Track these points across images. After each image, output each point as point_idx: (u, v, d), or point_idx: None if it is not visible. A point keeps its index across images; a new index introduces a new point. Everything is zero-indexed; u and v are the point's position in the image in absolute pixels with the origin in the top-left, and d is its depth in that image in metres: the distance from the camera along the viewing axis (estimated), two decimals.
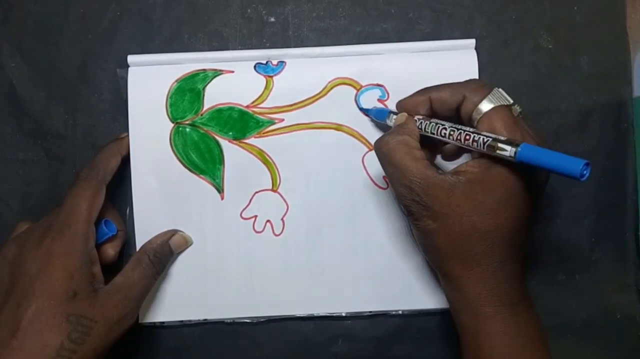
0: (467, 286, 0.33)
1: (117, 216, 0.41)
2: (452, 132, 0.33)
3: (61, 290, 0.33)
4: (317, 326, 0.43)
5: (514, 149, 0.30)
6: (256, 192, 0.42)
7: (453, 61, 0.41)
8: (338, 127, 0.42)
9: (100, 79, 0.43)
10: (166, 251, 0.40)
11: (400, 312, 0.42)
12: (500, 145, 0.30)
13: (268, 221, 0.42)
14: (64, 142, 0.43)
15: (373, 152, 0.41)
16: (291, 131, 0.42)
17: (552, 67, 0.43)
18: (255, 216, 0.42)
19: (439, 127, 0.34)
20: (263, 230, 0.42)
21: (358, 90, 0.41)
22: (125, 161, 0.41)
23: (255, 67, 0.42)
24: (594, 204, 0.43)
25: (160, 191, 0.41)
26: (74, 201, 0.36)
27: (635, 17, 0.43)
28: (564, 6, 0.43)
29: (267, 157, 0.42)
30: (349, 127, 0.42)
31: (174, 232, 0.41)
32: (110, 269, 0.38)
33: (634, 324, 0.43)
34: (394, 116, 0.38)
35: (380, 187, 0.42)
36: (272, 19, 0.43)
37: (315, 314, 0.42)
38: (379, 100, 0.41)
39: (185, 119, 0.41)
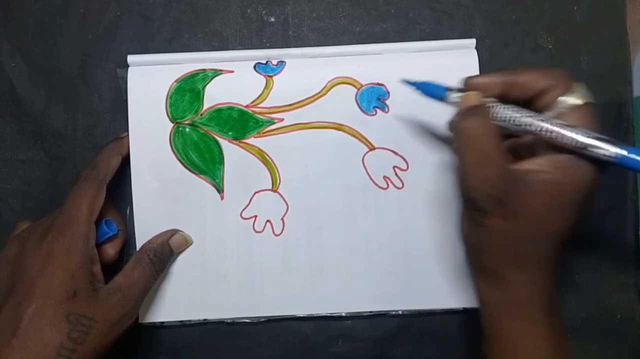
0: (519, 289, 0.31)
1: (118, 216, 0.41)
2: (538, 122, 0.30)
3: (61, 289, 0.33)
4: (317, 326, 0.43)
5: (616, 150, 0.28)
6: (256, 192, 0.42)
7: (453, 61, 0.41)
8: (338, 127, 0.42)
9: (100, 79, 0.43)
10: (166, 250, 0.40)
11: (400, 312, 0.42)
12: (600, 144, 0.28)
13: (268, 221, 0.42)
14: (64, 142, 0.43)
15: (373, 152, 0.42)
16: (291, 131, 0.42)
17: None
18: (255, 216, 0.42)
19: (522, 114, 0.31)
20: (263, 230, 0.42)
21: (358, 89, 0.41)
22: (125, 161, 0.41)
23: (255, 67, 0.42)
24: (594, 204, 0.43)
25: (160, 191, 0.41)
26: (75, 200, 0.36)
27: (635, 17, 0.43)
28: (564, 6, 0.43)
29: (267, 157, 0.42)
30: (349, 127, 0.42)
31: (174, 232, 0.41)
32: (111, 268, 0.38)
33: (634, 324, 0.43)
34: (459, 94, 0.34)
35: (380, 187, 0.42)
36: (272, 19, 0.43)
37: (315, 314, 0.42)
38: (380, 100, 0.41)
39: (185, 119, 0.41)
